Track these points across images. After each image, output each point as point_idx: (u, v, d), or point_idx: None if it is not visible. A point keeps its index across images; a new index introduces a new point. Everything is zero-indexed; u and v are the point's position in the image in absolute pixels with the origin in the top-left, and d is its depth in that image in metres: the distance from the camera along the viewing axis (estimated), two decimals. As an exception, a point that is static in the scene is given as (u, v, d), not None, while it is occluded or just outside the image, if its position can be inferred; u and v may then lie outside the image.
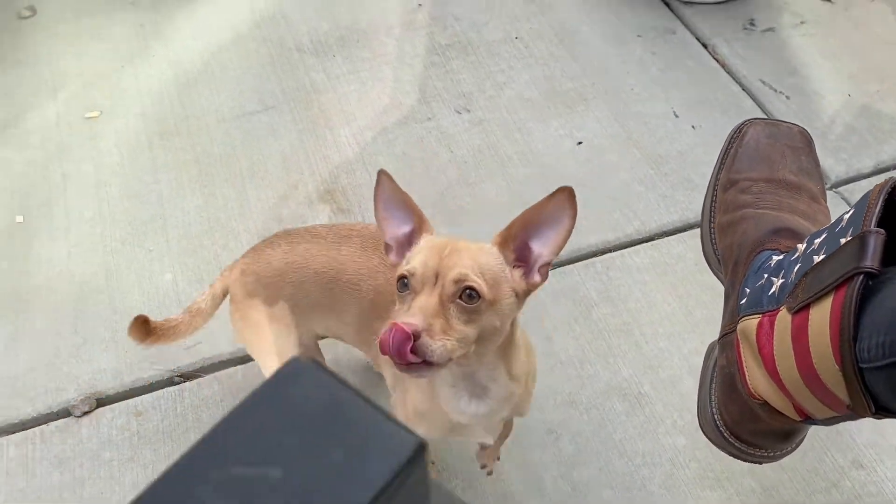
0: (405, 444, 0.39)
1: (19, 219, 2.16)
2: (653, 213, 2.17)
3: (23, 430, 1.75)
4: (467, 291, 1.04)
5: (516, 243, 1.14)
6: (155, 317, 1.87)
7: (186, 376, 1.85)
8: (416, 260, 1.08)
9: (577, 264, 2.05)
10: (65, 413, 1.78)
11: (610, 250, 2.08)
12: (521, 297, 1.14)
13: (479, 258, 1.08)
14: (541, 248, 1.13)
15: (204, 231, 2.13)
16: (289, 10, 2.79)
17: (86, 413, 1.78)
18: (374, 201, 1.19)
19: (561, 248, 1.13)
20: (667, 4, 2.81)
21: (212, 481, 0.36)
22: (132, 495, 0.33)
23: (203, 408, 1.79)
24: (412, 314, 1.01)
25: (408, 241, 1.18)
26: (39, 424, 1.76)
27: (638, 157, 2.31)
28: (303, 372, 0.42)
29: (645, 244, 2.10)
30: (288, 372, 0.42)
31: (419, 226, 1.18)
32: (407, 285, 1.06)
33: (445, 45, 2.66)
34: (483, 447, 1.64)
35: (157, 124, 2.41)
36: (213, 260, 2.06)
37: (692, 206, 2.18)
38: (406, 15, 2.78)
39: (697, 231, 2.09)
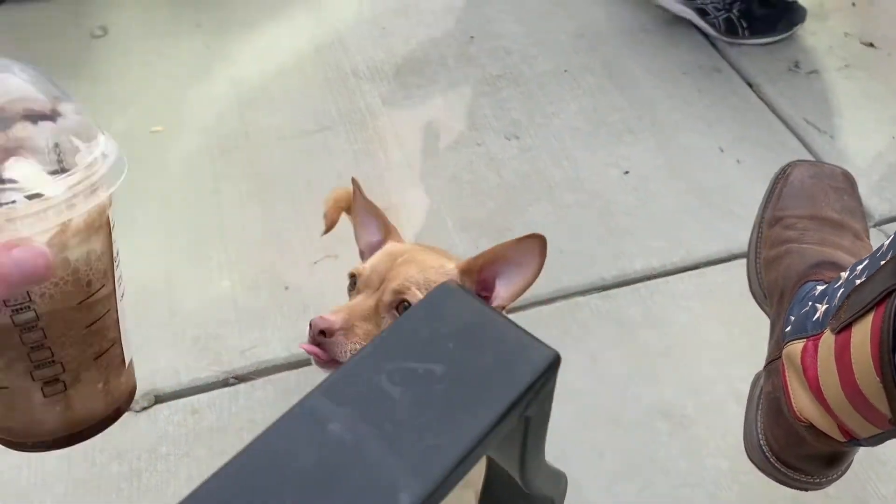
0: (544, 355, 0.45)
1: (87, 223, 2.25)
2: (697, 242, 2.21)
3: (84, 421, 1.82)
4: (404, 304, 1.03)
5: (480, 276, 1.11)
6: (212, 323, 1.96)
7: (241, 378, 1.91)
8: (369, 261, 1.11)
9: (622, 288, 2.09)
10: (124, 408, 1.84)
11: (655, 276, 2.13)
12: None
13: (430, 275, 1.06)
14: (501, 289, 1.11)
15: (261, 242, 2.22)
16: (347, 38, 2.90)
17: (144, 408, 1.84)
18: (353, 210, 1.23)
19: (520, 294, 1.09)
20: (713, 45, 2.89)
21: (385, 371, 0.42)
22: (187, 489, 0.38)
23: (256, 409, 1.85)
24: (337, 311, 1.04)
25: (378, 249, 1.23)
26: (100, 417, 1.83)
27: (683, 188, 2.37)
28: (453, 294, 0.48)
29: (690, 272, 2.14)
30: (441, 293, 0.48)
31: (386, 235, 1.23)
32: (354, 284, 1.10)
33: (496, 76, 2.76)
34: None
35: (218, 140, 2.52)
36: (269, 268, 2.15)
37: (737, 236, 2.22)
38: (459, 47, 2.89)
39: (742, 261, 2.13)
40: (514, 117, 2.60)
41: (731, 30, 2.81)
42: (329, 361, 1.02)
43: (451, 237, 2.23)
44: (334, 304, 2.04)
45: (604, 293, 2.08)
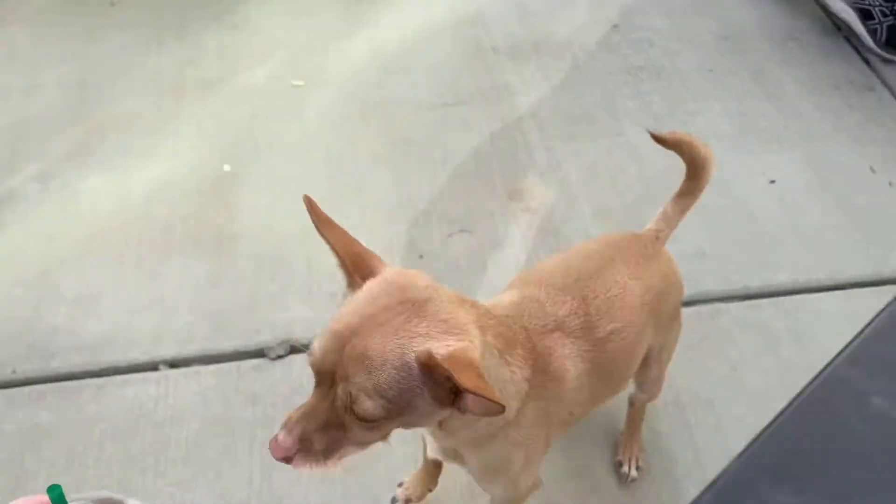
0: None
1: (227, 168, 2.28)
2: (845, 261, 2.12)
3: (221, 362, 1.84)
4: (358, 410, 0.86)
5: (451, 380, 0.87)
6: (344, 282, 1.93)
7: (374, 340, 1.90)
8: (317, 343, 0.90)
9: (766, 299, 2.02)
10: (260, 354, 1.86)
11: (800, 291, 2.04)
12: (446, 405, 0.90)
13: (383, 374, 0.85)
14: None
15: (396, 207, 2.20)
16: (487, 13, 2.86)
17: (279, 357, 1.85)
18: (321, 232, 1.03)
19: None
20: (865, 61, 2.76)
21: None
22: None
23: (390, 372, 1.84)
24: (291, 426, 0.88)
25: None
26: (236, 360, 1.84)
27: (831, 205, 2.27)
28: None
29: (836, 291, 2.05)
30: None
31: (354, 276, 0.98)
32: None
33: (638, 67, 2.68)
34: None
35: (357, 102, 2.51)
36: (404, 234, 2.13)
37: (888, 261, 2.12)
38: (601, 33, 2.82)
39: (893, 288, 2.04)
40: (656, 111, 2.53)
41: (892, 41, 2.68)
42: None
43: (587, 225, 2.18)
44: (467, 281, 2.02)
45: (747, 302, 2.01)
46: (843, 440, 0.35)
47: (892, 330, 0.40)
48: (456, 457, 1.17)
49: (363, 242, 2.01)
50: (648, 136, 2.35)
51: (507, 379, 1.01)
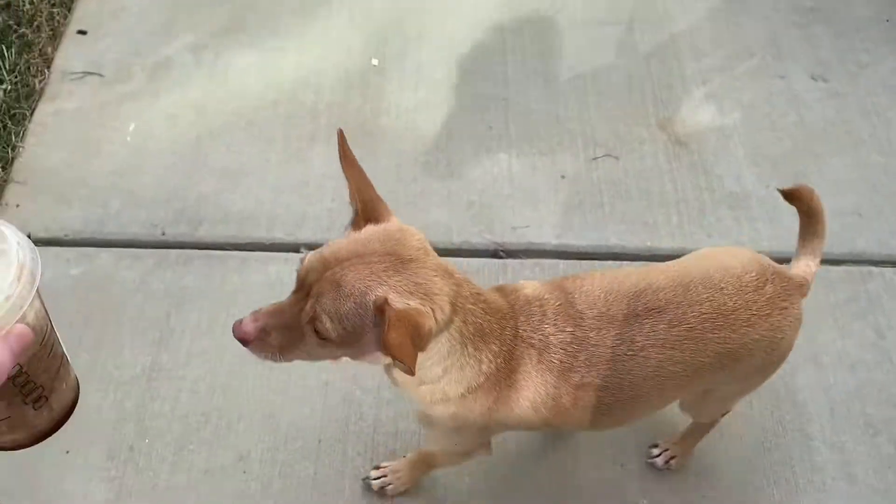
0: None
1: (375, 62, 2.25)
2: None
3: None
4: (317, 326, 0.94)
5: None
6: (489, 193, 1.90)
7: (510, 254, 1.89)
8: (308, 258, 0.97)
9: (923, 267, 1.91)
10: (398, 250, 1.87)
11: (962, 264, 1.93)
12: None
13: (344, 306, 0.91)
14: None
15: (542, 123, 2.15)
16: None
17: (417, 256, 1.86)
18: (345, 168, 1.04)
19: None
20: None
21: None
22: None
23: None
24: (258, 316, 0.96)
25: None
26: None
27: None
28: None
29: None
30: None
31: (357, 218, 1.00)
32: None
33: (809, 8, 2.50)
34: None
35: (510, 9, 2.42)
36: (548, 152, 2.08)
37: None
38: (771, -34, 2.63)
39: None
40: (824, 58, 2.37)
41: None
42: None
43: (740, 167, 2.09)
44: (608, 207, 1.97)
45: (899, 268, 1.91)
46: None
47: None
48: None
49: (503, 155, 1.96)
50: (813, 82, 2.22)
51: (459, 362, 1.03)
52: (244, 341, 0.97)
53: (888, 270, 1.91)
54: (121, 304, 1.75)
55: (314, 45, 2.28)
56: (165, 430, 1.59)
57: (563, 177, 2.04)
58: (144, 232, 1.86)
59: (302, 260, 0.97)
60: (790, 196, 1.28)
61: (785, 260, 1.88)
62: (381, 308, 0.91)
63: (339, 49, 2.28)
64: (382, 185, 1.98)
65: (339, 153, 1.05)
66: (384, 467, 1.51)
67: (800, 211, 1.30)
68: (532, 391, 1.08)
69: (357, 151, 2.04)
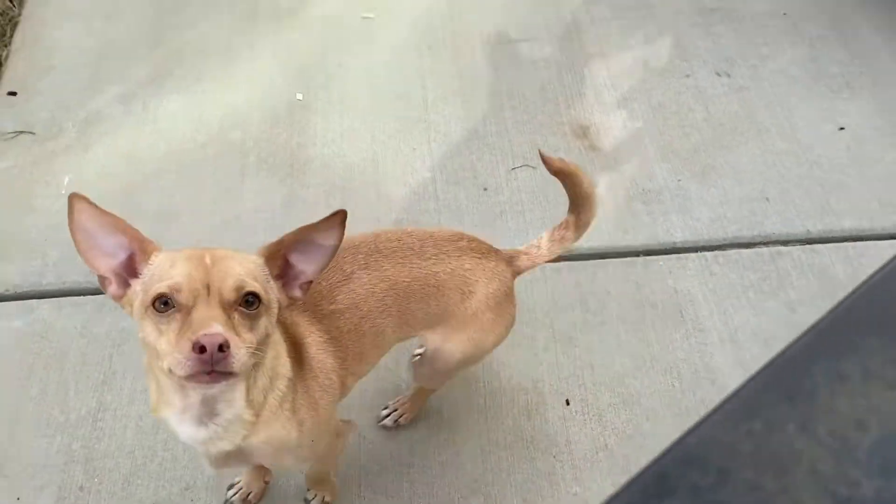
0: None
1: (299, 96, 2.34)
2: (913, 211, 2.11)
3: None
4: (247, 297, 1.00)
5: (282, 258, 1.10)
6: (414, 210, 1.99)
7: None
8: (176, 274, 0.99)
9: (828, 245, 2.02)
10: (330, 273, 1.94)
11: (864, 238, 2.04)
12: (281, 308, 1.10)
13: (247, 265, 1.04)
14: (305, 266, 1.10)
15: (463, 140, 2.25)
16: (558, -51, 2.83)
17: (349, 277, 1.93)
18: (72, 233, 1.02)
19: (324, 268, 1.11)
20: (948, 8, 2.67)
21: None
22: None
23: (453, 297, 1.91)
24: (207, 325, 0.94)
25: (127, 269, 1.06)
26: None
27: (902, 154, 2.24)
28: None
29: (902, 240, 2.05)
30: None
31: (142, 248, 1.05)
32: (167, 303, 0.97)
33: (710, 9, 2.65)
34: None
35: (426, 35, 2.53)
36: (469, 167, 2.18)
37: (957, 212, 2.10)
38: (672, -27, 2.78)
39: (961, 238, 2.02)
40: (727, 54, 2.50)
41: (978, -7, 2.59)
42: (225, 375, 0.96)
43: (651, 165, 2.20)
44: (529, 214, 2.06)
45: (808, 246, 2.02)
46: None
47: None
48: (222, 436, 1.17)
49: (429, 175, 2.05)
50: (717, 78, 2.36)
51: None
52: (227, 343, 0.94)
53: (795, 249, 2.02)
54: (63, 351, 1.80)
55: (239, 86, 2.37)
56: (113, 468, 1.64)
57: (485, 189, 2.13)
58: (83, 279, 1.92)
59: (172, 286, 0.98)
60: (550, 166, 1.46)
61: (701, 248, 1.98)
62: (269, 248, 1.08)
63: (264, 87, 2.36)
64: (311, 212, 2.07)
65: (81, 216, 1.03)
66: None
67: (564, 185, 1.49)
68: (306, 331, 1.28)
69: (286, 183, 2.13)
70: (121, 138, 2.22)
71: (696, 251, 2.02)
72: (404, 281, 1.33)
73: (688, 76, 2.43)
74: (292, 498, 1.60)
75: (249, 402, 1.11)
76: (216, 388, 1.04)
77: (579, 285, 1.94)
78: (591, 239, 2.01)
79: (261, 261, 1.08)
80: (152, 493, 1.61)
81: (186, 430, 1.12)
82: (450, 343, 1.41)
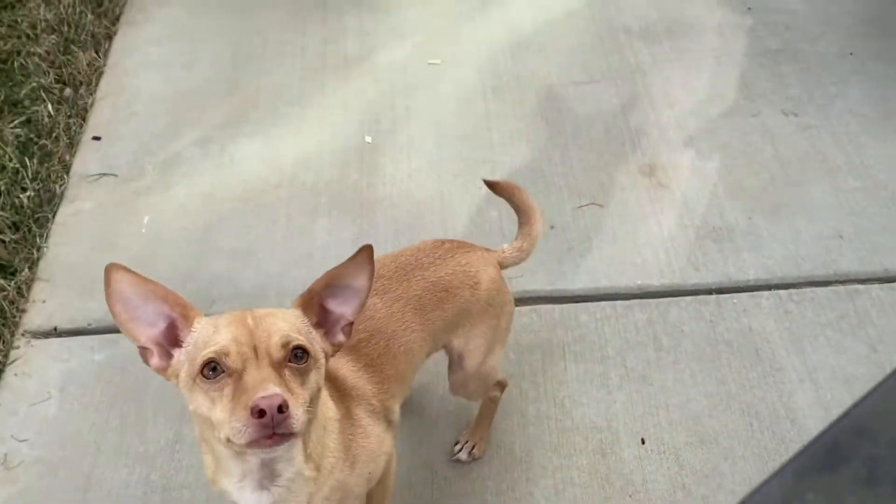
0: None
1: (368, 139, 2.40)
2: None
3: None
4: (295, 352, 0.98)
5: (318, 305, 1.08)
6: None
7: (507, 303, 1.98)
8: (222, 339, 0.97)
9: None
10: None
11: (949, 277, 1.98)
12: (328, 357, 1.08)
13: (289, 319, 1.04)
14: (342, 308, 1.09)
15: (528, 180, 2.27)
16: (619, -5, 2.89)
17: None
18: (110, 304, 1.01)
19: (362, 306, 1.09)
20: None
21: None
22: None
23: (522, 332, 1.91)
24: (263, 387, 0.92)
25: (169, 338, 1.04)
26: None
27: (982, 191, 2.18)
28: None
29: None
30: None
31: (183, 314, 1.04)
32: (216, 370, 0.96)
33: (775, 51, 2.65)
34: None
35: (490, 78, 2.59)
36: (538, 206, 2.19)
37: None
38: (734, 16, 2.79)
39: None
40: (793, 94, 2.49)
41: None
42: (285, 436, 0.94)
43: (721, 203, 2.18)
44: (597, 250, 2.06)
45: (887, 284, 1.97)
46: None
47: None
48: (287, 497, 1.15)
49: (495, 213, 2.09)
50: (784, 117, 2.35)
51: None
52: (287, 403, 0.92)
53: (874, 287, 1.97)
54: (143, 383, 1.85)
55: (311, 130, 2.44)
56: (190, 499, 1.66)
57: (552, 227, 2.14)
58: (162, 314, 1.97)
59: (220, 350, 0.97)
60: (494, 188, 1.65)
61: (774, 286, 1.95)
62: (304, 298, 1.08)
63: (335, 131, 2.44)
64: (381, 250, 2.11)
65: (119, 286, 1.03)
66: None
67: (510, 203, 1.65)
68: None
69: (356, 222, 2.18)
70: (198, 179, 2.31)
71: (770, 289, 1.99)
72: (416, 294, 1.36)
73: (754, 116, 2.43)
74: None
75: (308, 456, 1.09)
76: (279, 451, 1.01)
77: (651, 323, 1.92)
78: (662, 276, 2.01)
79: (298, 312, 1.07)
80: (228, 524, 1.62)
81: (248, 497, 1.09)
82: (473, 340, 1.46)
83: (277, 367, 0.97)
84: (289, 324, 1.02)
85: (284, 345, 0.98)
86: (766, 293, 1.98)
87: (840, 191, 2.21)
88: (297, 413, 0.93)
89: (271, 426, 0.91)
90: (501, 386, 1.65)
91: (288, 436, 0.94)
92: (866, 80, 2.54)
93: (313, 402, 1.02)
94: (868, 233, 2.09)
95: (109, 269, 1.01)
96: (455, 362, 1.49)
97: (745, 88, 2.52)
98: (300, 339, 0.99)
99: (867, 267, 2.02)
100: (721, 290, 1.99)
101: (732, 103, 2.47)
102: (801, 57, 2.62)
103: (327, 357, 1.09)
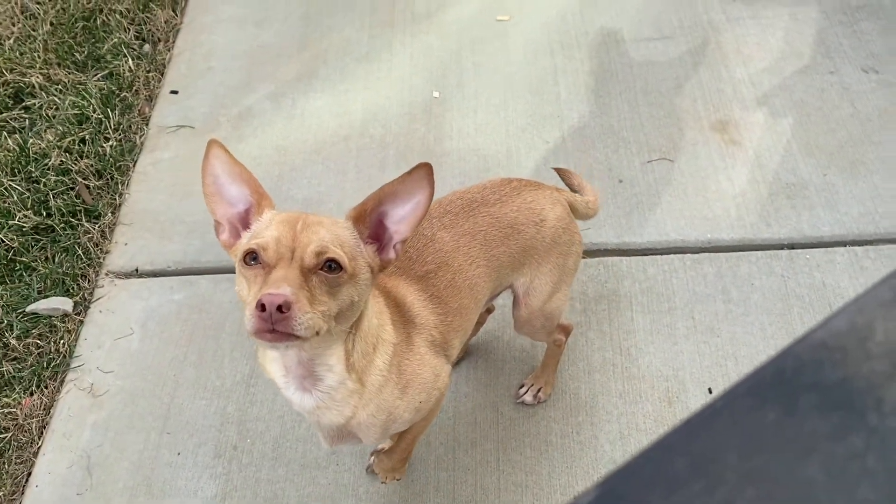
0: None
1: (436, 94, 2.42)
2: None
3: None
4: (328, 263, 1.00)
5: (372, 219, 1.08)
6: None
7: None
8: (268, 234, 1.02)
9: None
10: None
11: None
12: (375, 273, 1.08)
13: (336, 231, 1.05)
14: (396, 226, 1.08)
15: (597, 134, 2.26)
16: (692, -49, 2.82)
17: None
18: (203, 175, 1.11)
19: (417, 224, 1.07)
20: None
21: None
22: None
23: (589, 283, 1.92)
24: (276, 285, 0.95)
25: (242, 220, 1.11)
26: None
27: None
28: None
29: None
30: None
31: (258, 202, 1.10)
32: (256, 259, 1.01)
33: (855, 7, 2.56)
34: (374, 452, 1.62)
35: (559, 35, 2.57)
36: (604, 160, 2.18)
37: None
38: (813, -28, 2.71)
39: None
40: (874, 50, 2.41)
41: None
42: (287, 336, 0.95)
43: (794, 160, 2.14)
44: (667, 206, 2.04)
45: (970, 243, 1.91)
46: None
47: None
48: (330, 405, 1.20)
49: (561, 164, 2.11)
50: (864, 74, 2.28)
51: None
52: (288, 304, 0.94)
53: (957, 244, 1.91)
54: (220, 322, 1.93)
55: (379, 85, 2.47)
56: (264, 431, 1.73)
57: (620, 181, 2.13)
58: (237, 259, 2.04)
59: (261, 245, 1.01)
60: (561, 174, 1.67)
61: (850, 243, 1.92)
62: (357, 211, 1.09)
63: (403, 86, 2.46)
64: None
65: (215, 163, 1.13)
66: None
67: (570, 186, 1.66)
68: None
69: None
70: (271, 132, 2.36)
71: (845, 245, 1.94)
72: (482, 230, 1.37)
73: (832, 73, 2.36)
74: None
75: (350, 366, 1.12)
76: (280, 348, 1.05)
77: (721, 276, 1.90)
78: (732, 230, 1.99)
79: (349, 224, 1.08)
80: (300, 455, 1.68)
81: (293, 396, 1.14)
82: (538, 278, 1.46)
83: (307, 272, 0.99)
84: (332, 234, 1.04)
85: (319, 253, 1.00)
86: (841, 249, 1.94)
87: (923, 151, 2.14)
88: (301, 318, 0.94)
89: (270, 322, 0.93)
90: (567, 330, 1.66)
91: (288, 335, 0.95)
92: (953, 36, 2.43)
93: (344, 314, 1.04)
94: (951, 191, 2.02)
95: (210, 145, 1.11)
96: (520, 299, 1.50)
97: (823, 46, 2.44)
98: (336, 253, 1.01)
99: (949, 225, 1.95)
100: (794, 246, 1.95)
101: (809, 60, 2.40)
102: (883, 14, 2.52)
103: (374, 272, 1.10)
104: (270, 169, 2.26)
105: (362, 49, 2.59)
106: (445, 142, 2.29)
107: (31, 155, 2.24)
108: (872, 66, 2.36)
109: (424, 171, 1.06)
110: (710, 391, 1.70)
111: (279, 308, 0.93)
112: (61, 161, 2.22)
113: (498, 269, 1.41)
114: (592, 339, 1.82)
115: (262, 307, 0.93)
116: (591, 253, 1.98)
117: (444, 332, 1.33)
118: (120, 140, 2.33)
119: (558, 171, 1.69)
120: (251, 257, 1.02)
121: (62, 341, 1.89)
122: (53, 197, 2.15)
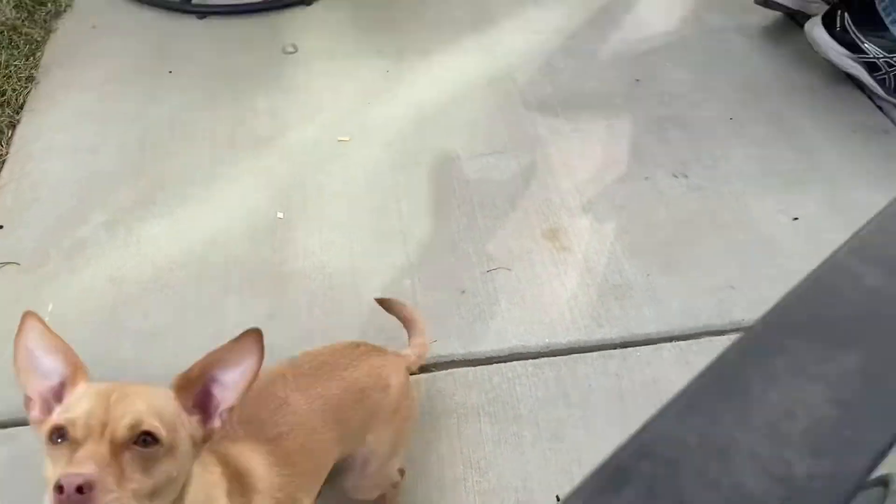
0: None
1: (280, 215, 2.43)
2: (871, 292, 2.20)
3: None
4: (143, 437, 0.96)
5: (197, 387, 1.08)
6: (395, 318, 2.05)
7: (422, 368, 2.00)
8: (78, 408, 0.97)
9: (796, 327, 2.09)
10: (314, 382, 1.97)
11: (829, 320, 2.12)
12: (199, 444, 1.06)
13: (154, 401, 1.01)
14: (223, 393, 1.08)
15: (439, 248, 2.34)
16: (517, 72, 3.05)
17: (333, 385, 1.96)
18: (15, 349, 1.05)
19: (245, 391, 1.07)
20: (879, 108, 2.89)
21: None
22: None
23: (438, 397, 1.94)
24: (78, 464, 0.90)
25: (56, 394, 1.05)
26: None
27: (855, 240, 2.36)
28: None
29: (864, 320, 2.13)
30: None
31: (73, 375, 1.04)
32: (64, 437, 0.95)
33: (662, 118, 2.84)
34: None
35: (398, 154, 2.68)
36: (447, 272, 2.26)
37: (913, 291, 2.19)
38: (624, 87, 2.99)
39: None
40: (682, 157, 2.67)
41: (900, 89, 2.82)
42: None
43: (620, 262, 2.30)
44: (507, 313, 2.13)
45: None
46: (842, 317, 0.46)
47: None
48: None
49: (408, 282, 2.16)
50: (675, 179, 2.50)
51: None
52: (90, 485, 0.86)
53: (765, 333, 2.09)
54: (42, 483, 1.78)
55: (221, 209, 2.46)
56: None
57: (462, 292, 2.20)
58: (67, 403, 1.92)
59: (69, 419, 0.95)
60: (383, 305, 1.83)
61: (675, 338, 2.05)
62: (182, 379, 1.07)
63: (246, 209, 2.46)
64: (295, 323, 2.12)
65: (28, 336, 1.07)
66: None
67: (397, 317, 1.80)
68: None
69: (269, 296, 2.19)
70: (105, 263, 2.28)
71: (671, 341, 2.08)
72: (335, 393, 1.39)
73: (647, 178, 2.58)
74: None
75: None
76: None
77: (560, 380, 1.98)
78: (568, 333, 2.09)
79: (171, 394, 1.04)
80: None
81: None
82: (380, 445, 1.49)
83: (118, 447, 0.94)
84: (149, 405, 0.99)
85: (132, 426, 0.95)
86: (667, 345, 2.07)
87: (730, 244, 2.36)
88: (105, 498, 0.88)
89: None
90: (401, 472, 1.67)
91: None
92: (747, 142, 2.74)
93: (161, 491, 0.98)
94: (757, 283, 2.23)
95: (25, 317, 1.06)
96: (358, 466, 1.50)
97: (637, 154, 2.68)
98: (152, 425, 0.96)
99: (757, 314, 2.12)
100: (626, 345, 2.07)
101: (626, 168, 2.62)
102: (686, 123, 2.82)
103: (197, 443, 1.05)
104: (103, 301, 2.17)
105: (202, 174, 2.58)
106: (291, 262, 2.29)
107: None
108: (682, 172, 2.61)
109: (254, 338, 1.06)
110: (558, 499, 1.74)
111: (79, 489, 0.86)
112: None
113: (349, 432, 1.42)
114: (443, 455, 1.83)
115: (59, 489, 0.87)
116: (439, 365, 2.01)
117: (290, 492, 1.28)
118: (-66, 282, 2.17)
119: (382, 302, 1.75)
120: (58, 435, 0.95)
121: None
122: None
